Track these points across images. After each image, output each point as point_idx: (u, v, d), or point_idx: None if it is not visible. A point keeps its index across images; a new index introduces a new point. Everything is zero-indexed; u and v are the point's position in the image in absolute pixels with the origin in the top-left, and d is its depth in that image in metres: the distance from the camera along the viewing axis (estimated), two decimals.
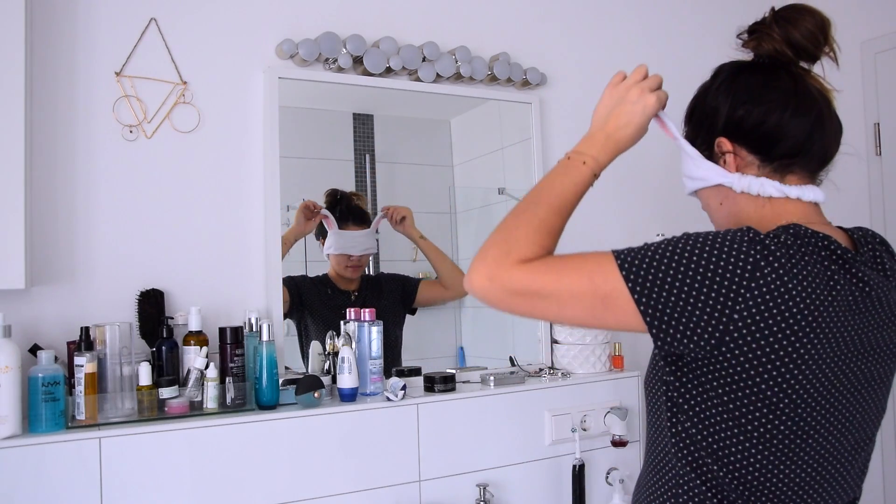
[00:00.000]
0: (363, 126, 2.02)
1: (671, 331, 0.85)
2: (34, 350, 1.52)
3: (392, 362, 1.94)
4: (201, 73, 1.78)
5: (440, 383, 1.82)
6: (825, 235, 0.89)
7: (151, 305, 1.64)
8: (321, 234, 1.96)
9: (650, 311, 0.84)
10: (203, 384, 1.57)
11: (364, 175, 2.01)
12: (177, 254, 1.73)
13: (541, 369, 2.04)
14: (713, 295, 0.83)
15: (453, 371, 1.93)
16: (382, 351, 1.76)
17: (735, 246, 0.84)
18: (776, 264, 0.83)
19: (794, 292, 0.83)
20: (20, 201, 1.46)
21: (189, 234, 1.75)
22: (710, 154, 1.01)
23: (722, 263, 0.83)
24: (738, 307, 0.82)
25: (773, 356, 0.84)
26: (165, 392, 1.53)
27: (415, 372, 1.90)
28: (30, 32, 1.54)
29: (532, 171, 2.17)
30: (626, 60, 2.35)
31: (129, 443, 1.46)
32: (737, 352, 0.84)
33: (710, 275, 0.83)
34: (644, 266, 0.85)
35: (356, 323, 1.77)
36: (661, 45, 2.41)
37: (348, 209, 1.97)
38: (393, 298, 2.03)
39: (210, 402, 1.57)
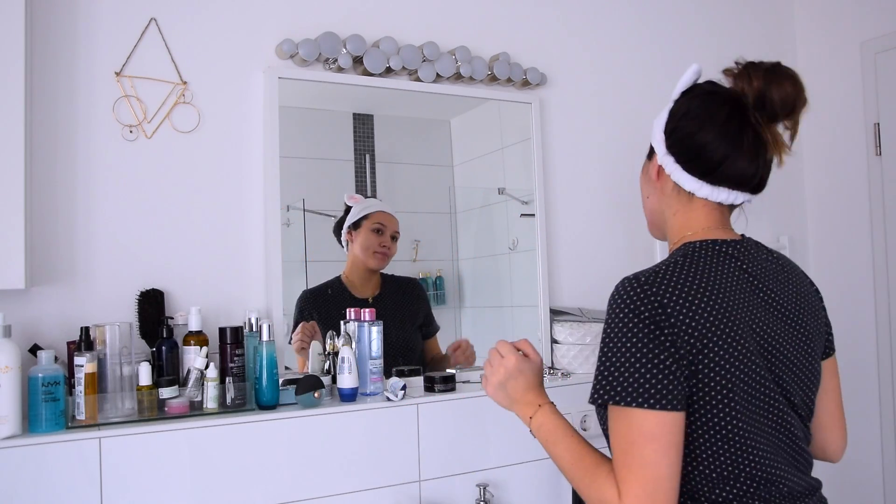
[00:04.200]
0: (363, 126, 2.02)
1: (662, 397, 0.94)
2: (34, 350, 1.52)
3: (404, 361, 1.95)
4: (201, 73, 1.78)
5: (440, 383, 1.82)
6: (713, 240, 1.05)
7: (151, 305, 1.64)
8: (337, 230, 1.96)
9: (644, 395, 0.93)
10: (203, 384, 1.57)
11: (364, 175, 2.00)
12: (177, 254, 1.73)
13: None
14: (651, 346, 0.94)
15: (453, 371, 1.93)
16: (382, 351, 1.76)
17: (622, 306, 0.97)
18: (659, 292, 0.97)
19: (691, 303, 0.96)
20: (20, 201, 1.46)
21: (189, 234, 1.75)
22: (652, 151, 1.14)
23: (631, 325, 0.96)
24: (670, 339, 0.94)
25: (711, 354, 0.96)
26: (165, 392, 1.53)
27: (415, 372, 1.90)
28: (30, 32, 1.54)
29: (532, 171, 2.17)
30: (626, 60, 2.36)
31: (129, 443, 1.46)
32: (700, 366, 0.96)
33: (631, 335, 0.95)
34: (619, 381, 0.95)
35: (356, 323, 1.77)
36: (661, 44, 2.41)
37: None
38: (412, 312, 2.03)
39: (210, 402, 1.57)
